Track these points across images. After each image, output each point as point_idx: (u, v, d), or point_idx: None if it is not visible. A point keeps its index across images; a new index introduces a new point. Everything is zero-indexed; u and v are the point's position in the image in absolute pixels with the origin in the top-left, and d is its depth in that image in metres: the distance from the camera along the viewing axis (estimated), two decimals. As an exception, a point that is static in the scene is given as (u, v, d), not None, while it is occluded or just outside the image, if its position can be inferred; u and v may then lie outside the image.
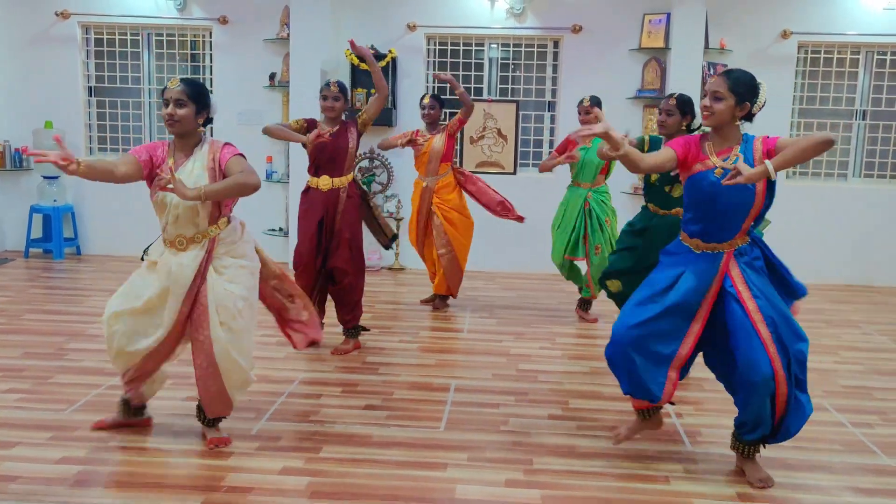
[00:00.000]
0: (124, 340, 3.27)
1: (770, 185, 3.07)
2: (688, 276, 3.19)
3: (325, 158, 4.76)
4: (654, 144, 4.58)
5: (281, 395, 4.08)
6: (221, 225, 3.30)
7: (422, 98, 5.95)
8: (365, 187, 7.75)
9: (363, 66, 7.48)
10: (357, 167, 7.80)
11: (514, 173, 7.73)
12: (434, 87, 7.89)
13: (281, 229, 7.85)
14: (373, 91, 7.59)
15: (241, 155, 3.26)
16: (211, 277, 3.25)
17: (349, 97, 4.60)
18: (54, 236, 7.68)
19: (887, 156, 7.73)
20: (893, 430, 3.85)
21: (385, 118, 7.58)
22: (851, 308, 6.62)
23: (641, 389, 3.22)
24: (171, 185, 3.08)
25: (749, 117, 3.11)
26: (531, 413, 3.94)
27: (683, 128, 4.57)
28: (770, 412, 3.11)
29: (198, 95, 3.24)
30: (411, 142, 5.84)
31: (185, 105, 3.19)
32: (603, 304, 5.93)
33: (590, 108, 5.55)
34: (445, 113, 6.09)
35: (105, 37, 7.96)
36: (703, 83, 7.34)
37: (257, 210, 7.82)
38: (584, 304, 5.98)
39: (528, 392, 4.26)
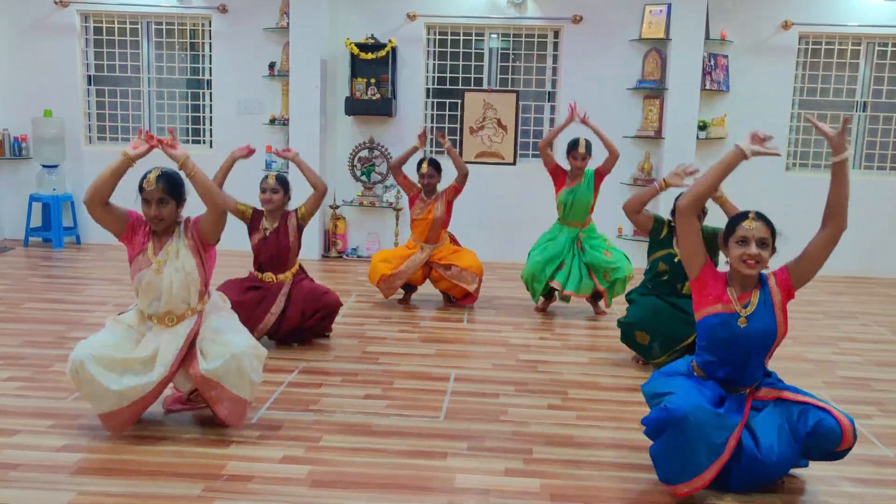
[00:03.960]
0: (111, 378, 3.19)
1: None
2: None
3: (268, 258, 4.68)
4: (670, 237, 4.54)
5: (281, 385, 4.08)
6: (206, 300, 3.44)
7: (420, 164, 5.78)
8: (364, 178, 7.81)
9: (363, 55, 7.48)
10: (356, 157, 7.80)
11: (514, 164, 7.72)
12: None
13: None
14: (372, 80, 7.61)
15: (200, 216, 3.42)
16: (201, 343, 3.36)
17: (289, 190, 4.80)
18: (53, 225, 7.68)
19: (887, 147, 7.74)
20: (892, 422, 3.87)
21: (384, 109, 7.57)
22: (850, 299, 6.64)
23: (687, 469, 2.88)
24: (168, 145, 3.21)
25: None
26: (530, 403, 3.95)
27: None
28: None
29: (176, 189, 3.30)
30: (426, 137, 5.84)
31: (167, 203, 3.27)
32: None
33: (586, 154, 5.57)
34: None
35: (104, 25, 7.94)
36: (704, 73, 7.33)
37: (257, 200, 7.80)
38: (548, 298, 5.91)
39: (528, 382, 4.27)
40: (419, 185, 5.79)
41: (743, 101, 7.37)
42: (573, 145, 5.57)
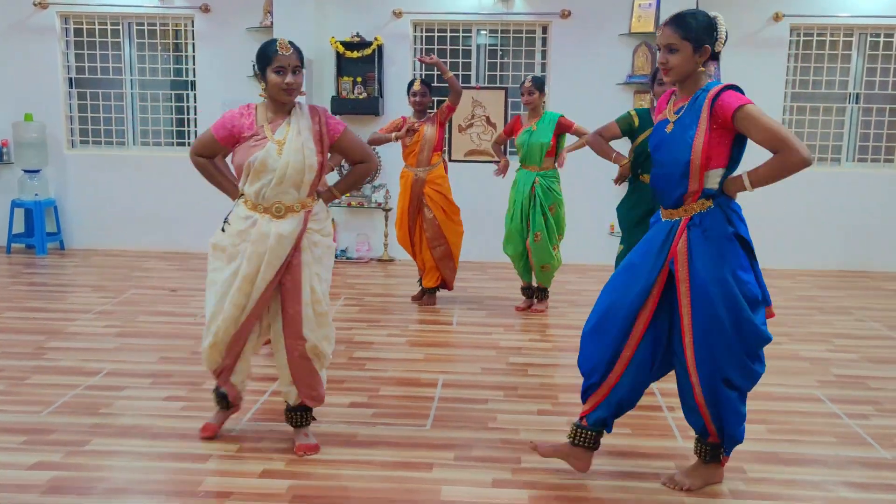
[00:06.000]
0: (224, 327, 3.20)
1: (737, 141, 2.76)
2: (640, 248, 2.95)
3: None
4: (644, 117, 4.45)
5: (264, 394, 3.98)
6: (315, 198, 3.23)
7: (411, 83, 5.76)
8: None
9: (349, 53, 7.36)
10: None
11: (504, 161, 7.61)
12: (422, 74, 7.77)
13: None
14: (358, 79, 7.51)
15: (346, 126, 3.27)
16: (305, 254, 3.16)
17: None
18: (36, 231, 7.55)
19: (881, 140, 7.65)
20: (889, 422, 3.78)
21: (371, 107, 7.46)
22: (844, 294, 6.55)
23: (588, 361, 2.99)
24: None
25: (714, 57, 2.78)
26: (520, 409, 3.86)
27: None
28: (698, 419, 2.95)
29: (303, 58, 3.16)
30: (409, 130, 5.63)
31: (300, 71, 3.10)
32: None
33: (532, 88, 5.52)
34: (433, 101, 5.96)
35: (85, 27, 7.80)
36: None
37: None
38: (527, 292, 5.86)
39: (518, 387, 4.17)
40: (402, 118, 5.77)
41: (734, 95, 7.24)
42: (521, 82, 5.63)
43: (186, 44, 7.83)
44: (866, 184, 7.53)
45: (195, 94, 7.80)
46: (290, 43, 3.09)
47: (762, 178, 2.71)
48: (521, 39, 7.74)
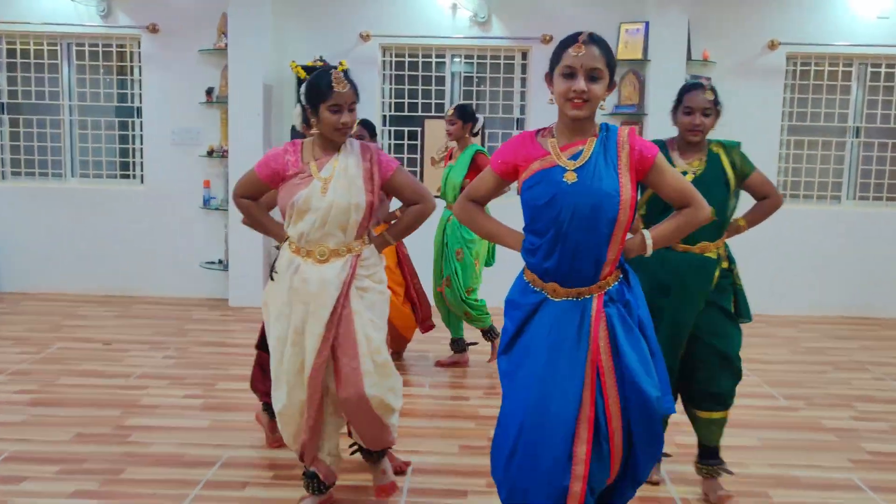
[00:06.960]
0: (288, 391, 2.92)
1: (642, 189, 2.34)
2: (551, 354, 2.27)
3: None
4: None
5: (195, 486, 3.26)
6: (365, 241, 2.97)
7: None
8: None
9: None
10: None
11: (481, 197, 7.00)
12: (391, 103, 7.15)
13: (220, 262, 7.01)
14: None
15: (399, 165, 3.01)
16: (354, 301, 2.88)
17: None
18: (-41, 273, 6.76)
19: (883, 176, 7.16)
20: (949, 520, 3.16)
21: (336, 137, 6.82)
22: (856, 346, 5.98)
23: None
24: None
25: None
26: None
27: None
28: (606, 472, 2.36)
29: (359, 93, 2.91)
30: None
31: (355, 108, 2.88)
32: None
33: (453, 118, 4.98)
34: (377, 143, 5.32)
35: (19, 47, 7.08)
36: (686, 98, 6.72)
37: (194, 241, 7.00)
38: (453, 345, 5.28)
39: (502, 473, 3.49)
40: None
41: (729, 127, 6.55)
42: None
43: (132, 66, 7.14)
44: (868, 223, 7.02)
45: (141, 122, 7.09)
46: (346, 75, 2.84)
47: (667, 237, 2.39)
48: (498, 66, 7.17)
